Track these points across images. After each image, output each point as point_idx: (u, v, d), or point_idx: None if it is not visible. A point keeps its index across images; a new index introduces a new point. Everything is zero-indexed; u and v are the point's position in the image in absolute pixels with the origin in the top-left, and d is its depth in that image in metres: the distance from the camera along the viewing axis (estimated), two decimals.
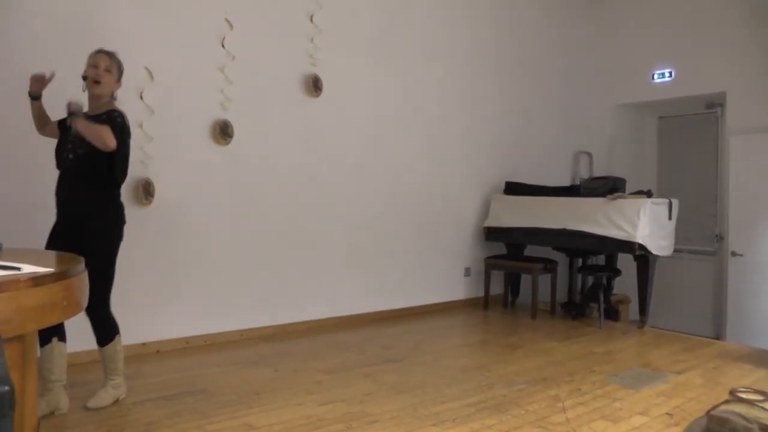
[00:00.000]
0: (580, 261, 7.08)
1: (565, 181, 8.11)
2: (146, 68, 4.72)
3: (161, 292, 4.89)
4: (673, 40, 7.78)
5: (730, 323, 7.02)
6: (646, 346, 5.59)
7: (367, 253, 6.26)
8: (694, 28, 7.57)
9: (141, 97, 4.71)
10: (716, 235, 7.81)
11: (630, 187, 7.13)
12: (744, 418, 2.48)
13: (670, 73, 7.82)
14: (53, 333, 3.49)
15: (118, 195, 3.72)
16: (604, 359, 5.01)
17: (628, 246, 5.94)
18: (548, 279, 6.86)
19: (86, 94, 3.61)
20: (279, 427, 3.37)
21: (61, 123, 3.64)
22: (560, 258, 7.10)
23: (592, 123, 8.54)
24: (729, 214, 7.18)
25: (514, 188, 7.34)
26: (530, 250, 7.31)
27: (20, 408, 1.96)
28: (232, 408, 3.65)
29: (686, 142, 8.38)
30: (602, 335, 5.92)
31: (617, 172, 7.86)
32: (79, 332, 3.64)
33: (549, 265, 6.74)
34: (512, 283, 7.32)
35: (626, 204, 6.01)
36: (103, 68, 3.56)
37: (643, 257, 6.06)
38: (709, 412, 2.67)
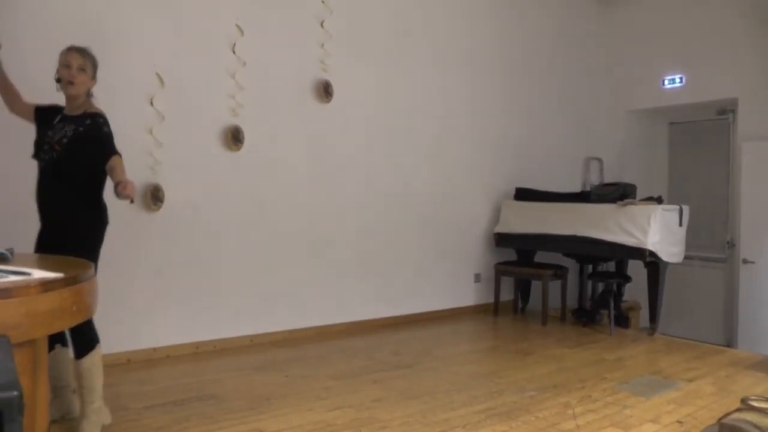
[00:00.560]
0: (590, 267, 7.05)
1: (575, 188, 8.08)
2: (157, 74, 4.74)
3: (171, 298, 4.90)
4: (684, 46, 7.75)
5: (742, 331, 6.96)
6: (656, 354, 5.55)
7: (376, 259, 6.25)
8: (705, 35, 7.53)
9: (151, 103, 4.73)
10: (727, 242, 7.76)
11: (641, 193, 7.09)
12: (756, 426, 2.46)
13: (681, 79, 7.79)
14: (56, 339, 3.44)
15: (100, 195, 3.50)
16: (614, 366, 4.98)
17: (639, 253, 5.91)
18: (558, 285, 6.83)
19: (61, 94, 3.48)
20: None
21: (39, 111, 3.53)
22: (570, 264, 7.08)
23: (603, 129, 8.51)
24: (740, 220, 7.13)
25: (524, 194, 7.32)
26: (540, 256, 7.28)
27: (31, 412, 1.96)
28: (241, 413, 3.65)
29: (697, 148, 8.34)
30: (613, 342, 5.88)
31: (628, 179, 7.83)
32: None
33: (559, 272, 6.71)
34: (522, 290, 7.29)
35: (637, 210, 5.99)
36: (76, 67, 3.37)
37: (653, 264, 6.03)
38: (720, 420, 2.65)
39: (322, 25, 5.69)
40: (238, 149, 5.23)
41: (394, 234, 6.40)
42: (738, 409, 2.84)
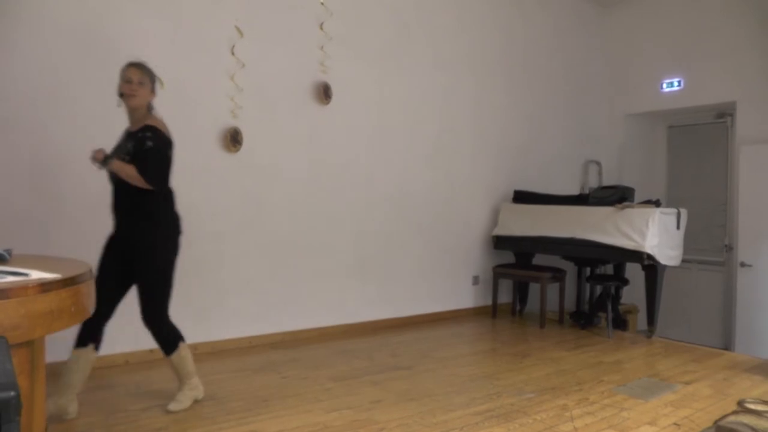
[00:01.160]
0: (588, 270, 7.05)
1: (574, 190, 8.10)
2: (156, 76, 4.74)
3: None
4: (682, 50, 7.78)
5: (739, 334, 6.98)
6: (654, 356, 5.56)
7: (375, 261, 6.26)
8: (703, 38, 7.56)
9: None
10: (725, 246, 7.77)
11: (639, 196, 7.11)
12: (752, 429, 2.47)
13: (680, 82, 7.81)
14: (92, 339, 3.54)
15: (169, 206, 3.69)
16: (612, 369, 4.98)
17: (637, 256, 5.92)
18: (557, 288, 6.84)
19: (123, 108, 3.64)
20: None
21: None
22: (569, 267, 7.09)
23: (602, 132, 8.53)
24: (738, 224, 7.14)
25: (522, 197, 7.33)
26: (539, 259, 7.29)
27: (28, 413, 1.97)
28: (240, 414, 3.65)
29: (696, 151, 8.35)
30: (610, 345, 5.89)
31: (626, 182, 7.85)
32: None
33: (557, 274, 6.73)
34: (520, 292, 7.30)
35: (635, 213, 5.99)
36: (137, 82, 3.55)
37: (651, 267, 6.04)
38: (717, 422, 2.66)
39: (321, 27, 5.70)
40: (237, 150, 5.23)
41: (392, 236, 6.41)
42: (735, 412, 2.85)
